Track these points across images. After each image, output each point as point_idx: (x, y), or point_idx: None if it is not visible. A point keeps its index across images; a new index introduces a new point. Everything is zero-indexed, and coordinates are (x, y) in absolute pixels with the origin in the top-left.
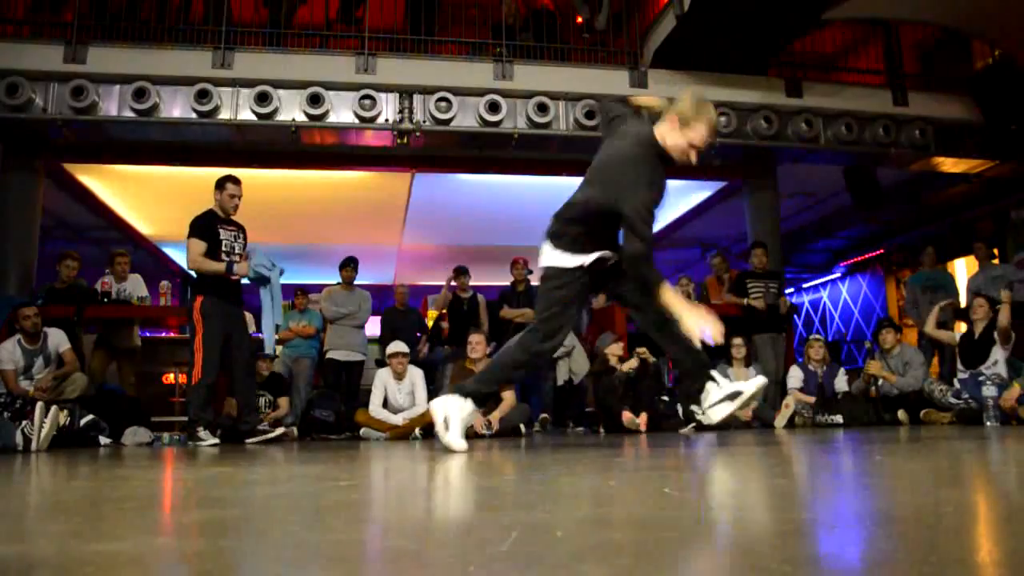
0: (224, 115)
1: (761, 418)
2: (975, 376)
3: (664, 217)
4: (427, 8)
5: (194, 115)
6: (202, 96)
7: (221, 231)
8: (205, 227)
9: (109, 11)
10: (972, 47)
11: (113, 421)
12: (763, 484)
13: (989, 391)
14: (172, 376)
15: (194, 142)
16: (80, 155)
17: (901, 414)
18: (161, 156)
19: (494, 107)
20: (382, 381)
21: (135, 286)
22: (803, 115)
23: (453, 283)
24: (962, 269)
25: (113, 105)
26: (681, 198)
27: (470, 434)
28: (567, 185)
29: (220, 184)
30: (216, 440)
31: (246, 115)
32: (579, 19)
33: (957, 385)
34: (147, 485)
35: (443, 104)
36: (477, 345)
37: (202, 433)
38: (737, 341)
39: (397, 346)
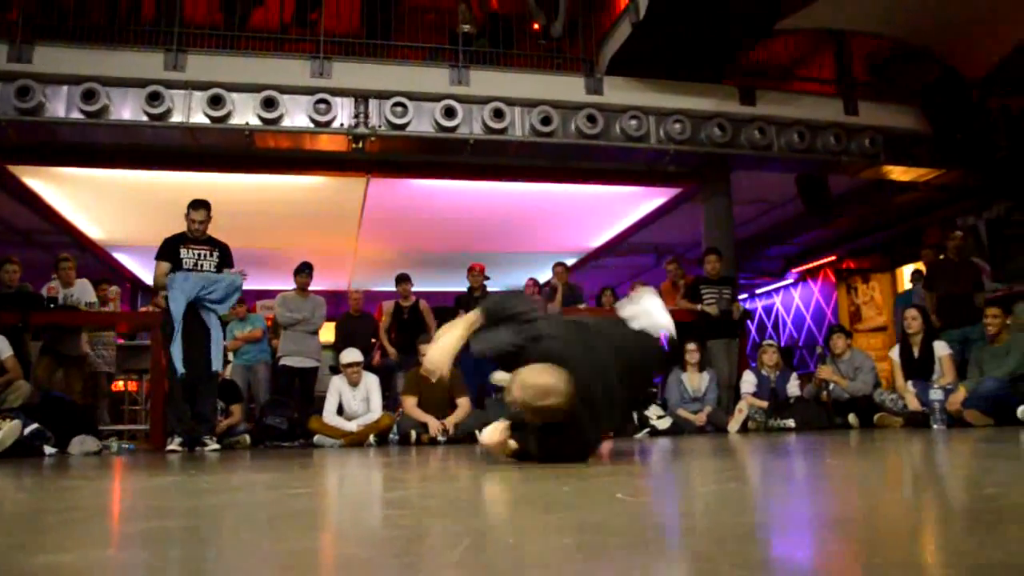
0: (176, 118)
1: (715, 423)
2: (923, 381)
3: (619, 224)
4: (383, 12)
5: (145, 118)
6: (154, 98)
7: (184, 250)
8: (165, 248)
9: (56, 10)
10: (920, 59)
11: (59, 430)
12: (716, 488)
13: (935, 395)
14: (122, 383)
15: (146, 145)
16: (26, 157)
17: (852, 418)
18: (112, 159)
19: (450, 112)
20: (336, 388)
21: (83, 291)
22: (756, 123)
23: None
24: (911, 275)
25: (61, 106)
26: (636, 204)
27: (425, 440)
28: (523, 191)
29: (186, 210)
30: (216, 445)
31: (199, 118)
32: (536, 26)
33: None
34: (94, 495)
35: (399, 109)
36: None
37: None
38: (691, 346)
39: (351, 355)
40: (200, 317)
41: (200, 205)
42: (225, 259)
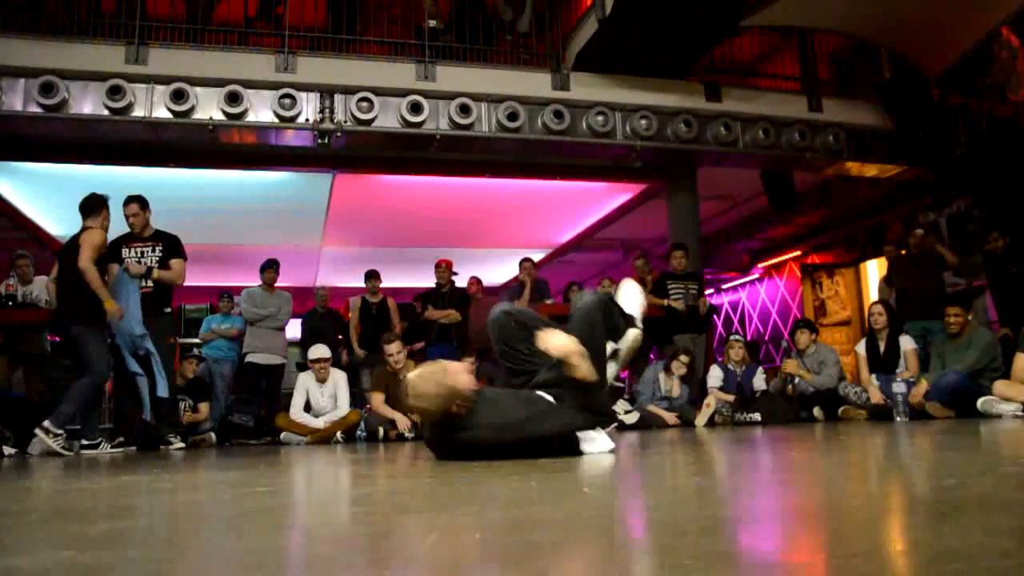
0: (138, 112)
1: (682, 417)
2: (887, 375)
3: (586, 219)
4: (349, 7)
5: (106, 112)
6: (115, 92)
7: (126, 250)
8: (109, 250)
9: (12, 0)
10: (882, 56)
11: (18, 430)
12: (682, 482)
13: (898, 388)
14: None
15: (107, 140)
16: None
17: (816, 411)
18: (72, 154)
19: (416, 108)
20: (303, 384)
21: (42, 288)
22: (722, 119)
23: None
24: (874, 270)
25: (18, 99)
26: (603, 200)
27: (392, 437)
28: (490, 186)
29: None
30: (180, 444)
31: (161, 113)
32: (504, 20)
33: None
34: (53, 496)
35: (364, 104)
36: (398, 355)
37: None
38: (683, 358)
39: (319, 351)
40: (154, 319)
41: (131, 200)
42: (171, 250)
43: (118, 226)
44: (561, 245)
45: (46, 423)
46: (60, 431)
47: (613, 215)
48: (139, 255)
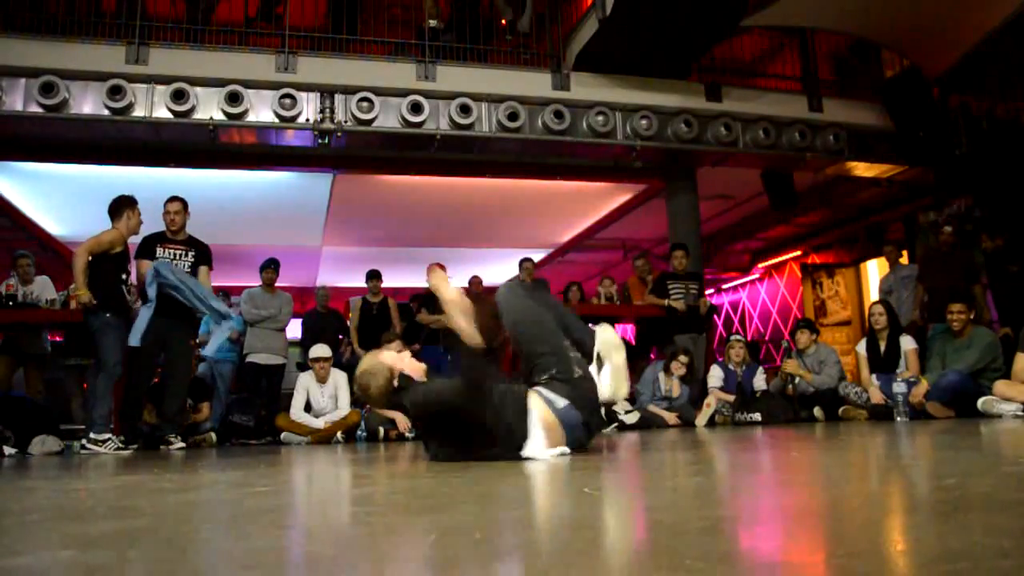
0: (139, 112)
1: (683, 417)
2: (887, 374)
3: (587, 219)
4: (349, 7)
5: (107, 112)
6: (115, 92)
7: (160, 249)
8: (143, 246)
9: (12, 1)
10: (883, 56)
11: (19, 430)
12: (682, 482)
13: (899, 388)
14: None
15: (108, 140)
16: None
17: (817, 411)
18: (72, 154)
19: (416, 108)
20: (304, 384)
21: (43, 288)
22: (722, 119)
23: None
24: (874, 270)
25: (18, 99)
26: (603, 200)
27: (393, 437)
28: (491, 186)
29: (164, 206)
30: (181, 444)
31: (162, 113)
32: (503, 21)
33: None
34: (54, 496)
35: (365, 104)
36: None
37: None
38: (683, 358)
39: (320, 350)
40: (178, 321)
41: (176, 198)
42: (202, 258)
43: (150, 225)
44: (561, 245)
45: (91, 435)
46: (106, 436)
47: (613, 215)
48: (172, 256)
